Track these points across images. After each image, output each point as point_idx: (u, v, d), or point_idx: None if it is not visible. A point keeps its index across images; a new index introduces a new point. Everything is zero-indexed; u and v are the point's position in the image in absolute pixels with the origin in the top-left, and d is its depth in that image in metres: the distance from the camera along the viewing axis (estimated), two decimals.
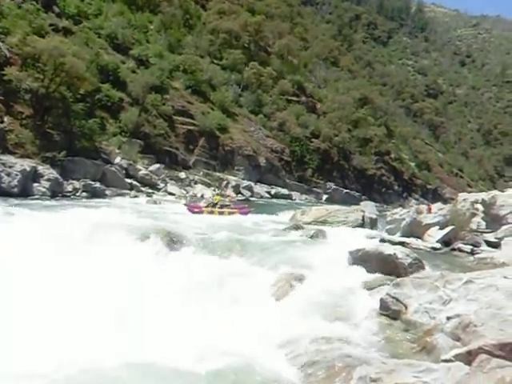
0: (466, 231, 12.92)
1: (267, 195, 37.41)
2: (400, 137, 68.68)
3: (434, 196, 56.26)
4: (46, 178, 20.96)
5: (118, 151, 28.48)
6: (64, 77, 24.31)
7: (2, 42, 24.60)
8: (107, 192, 23.75)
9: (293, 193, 41.23)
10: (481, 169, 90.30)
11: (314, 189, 45.96)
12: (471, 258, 11.24)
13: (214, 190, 31.63)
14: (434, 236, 12.68)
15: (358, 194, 48.35)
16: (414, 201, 52.28)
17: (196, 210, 19.90)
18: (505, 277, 5.94)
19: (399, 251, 8.66)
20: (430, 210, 14.21)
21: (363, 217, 17.27)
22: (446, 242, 12.50)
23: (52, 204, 17.79)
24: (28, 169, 20.17)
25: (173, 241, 10.51)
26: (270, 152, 43.29)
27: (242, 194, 34.15)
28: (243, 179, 37.49)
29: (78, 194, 22.24)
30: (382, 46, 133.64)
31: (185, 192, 30.00)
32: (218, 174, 36.28)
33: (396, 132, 68.14)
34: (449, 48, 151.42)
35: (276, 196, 38.02)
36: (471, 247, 11.90)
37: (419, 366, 4.40)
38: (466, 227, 13.11)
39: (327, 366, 5.10)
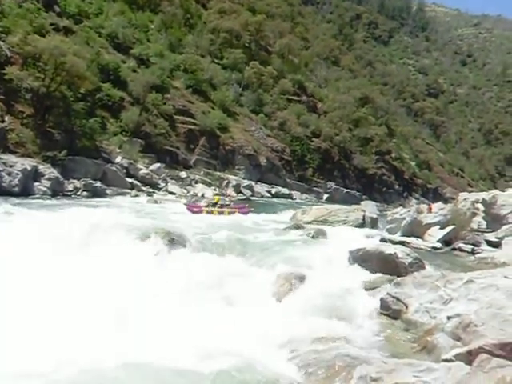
0: (467, 231, 12.93)
1: (268, 194, 37.42)
2: (401, 136, 68.63)
3: (434, 195, 56.22)
4: (46, 177, 20.99)
5: (118, 150, 28.50)
6: (65, 76, 24.34)
7: (3, 41, 24.62)
8: (108, 191, 23.78)
9: (293, 192, 41.23)
10: (481, 168, 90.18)
11: (315, 188, 45.96)
12: (472, 257, 11.25)
13: (215, 190, 31.65)
14: (434, 235, 12.69)
15: (358, 193, 48.36)
16: (414, 200, 52.18)
17: (195, 209, 19.88)
18: (505, 276, 5.94)
19: (400, 251, 8.67)
20: (430, 210, 14.22)
21: (364, 216, 17.29)
22: (446, 241, 12.51)
23: (52, 203, 17.80)
24: (29, 168, 20.19)
25: (173, 241, 10.48)
26: (271, 151, 43.28)
27: (242, 193, 34.15)
28: (244, 178, 37.50)
29: (78, 194, 22.26)
30: (382, 46, 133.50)
31: (185, 191, 30.01)
32: (218, 173, 36.28)
33: (397, 131, 68.07)
34: (450, 47, 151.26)
35: (277, 195, 38.01)
36: (472, 247, 11.91)
37: (420, 365, 4.40)
38: (466, 227, 13.12)
39: (327, 366, 5.09)
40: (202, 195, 28.98)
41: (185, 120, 36.79)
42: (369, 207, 18.99)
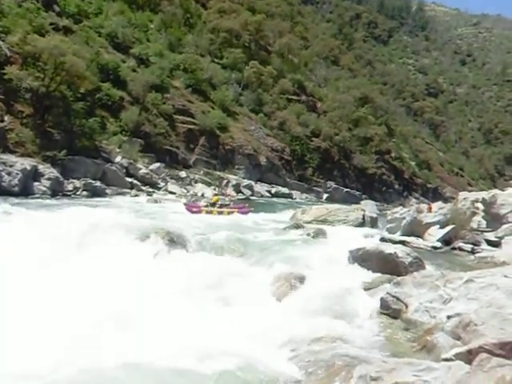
0: (467, 230, 12.93)
1: (268, 194, 37.41)
2: (400, 136, 68.63)
3: (434, 195, 56.22)
4: (46, 177, 20.98)
5: (118, 150, 28.48)
6: (64, 76, 24.32)
7: (3, 40, 24.60)
8: (108, 191, 23.77)
9: (293, 192, 41.22)
10: (481, 168, 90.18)
11: (315, 188, 45.96)
12: (472, 256, 11.25)
13: (215, 189, 31.64)
14: (434, 235, 12.69)
15: (358, 193, 48.35)
16: (414, 200, 52.16)
17: (194, 209, 19.85)
18: (505, 276, 5.94)
19: (400, 250, 8.66)
20: (430, 209, 14.22)
21: (363, 216, 17.28)
22: (446, 241, 12.50)
23: (52, 203, 17.80)
24: (28, 168, 20.18)
25: (173, 241, 10.47)
26: (271, 151, 43.27)
27: (242, 193, 34.15)
28: (244, 178, 37.49)
29: (78, 193, 22.26)
30: (382, 45, 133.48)
31: (185, 191, 30.01)
32: (218, 172, 36.27)
33: (396, 131, 68.06)
34: (449, 47, 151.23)
35: (276, 195, 38.00)
36: (472, 246, 11.91)
37: (419, 364, 4.39)
38: (466, 226, 13.11)
39: (327, 365, 5.08)
40: (202, 195, 28.98)
41: (184, 120, 36.78)
42: (369, 207, 18.97)
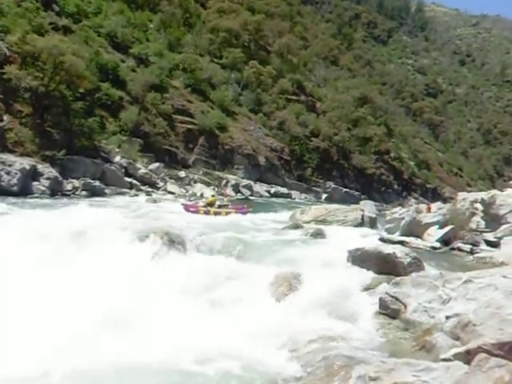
0: (466, 230, 12.93)
1: (267, 194, 37.41)
2: (400, 136, 68.63)
3: (433, 195, 56.24)
4: (45, 176, 20.99)
5: (117, 150, 28.48)
6: (63, 75, 24.34)
7: (2, 40, 24.60)
8: (107, 191, 23.77)
9: (292, 192, 41.22)
10: (480, 168, 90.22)
11: (314, 188, 45.95)
12: (470, 257, 11.25)
13: (214, 189, 31.64)
14: (433, 235, 12.69)
15: (357, 193, 48.33)
16: (413, 200, 52.18)
17: (192, 209, 19.82)
18: (504, 276, 5.94)
19: (398, 250, 8.65)
20: (429, 210, 14.21)
21: (363, 216, 17.26)
22: (445, 241, 12.50)
23: (51, 203, 17.81)
24: (28, 167, 20.18)
25: (172, 241, 10.43)
26: (270, 151, 43.26)
27: (241, 192, 34.15)
28: (243, 178, 37.48)
29: (77, 193, 22.27)
30: (381, 45, 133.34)
31: (184, 191, 30.01)
32: (217, 172, 36.27)
33: (396, 131, 68.08)
34: (449, 47, 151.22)
35: (275, 195, 38.00)
36: (470, 246, 11.91)
37: (418, 365, 4.39)
38: (465, 226, 13.12)
39: (326, 365, 5.09)
40: (201, 195, 28.98)
41: (184, 119, 36.77)
42: (368, 207, 18.95)
